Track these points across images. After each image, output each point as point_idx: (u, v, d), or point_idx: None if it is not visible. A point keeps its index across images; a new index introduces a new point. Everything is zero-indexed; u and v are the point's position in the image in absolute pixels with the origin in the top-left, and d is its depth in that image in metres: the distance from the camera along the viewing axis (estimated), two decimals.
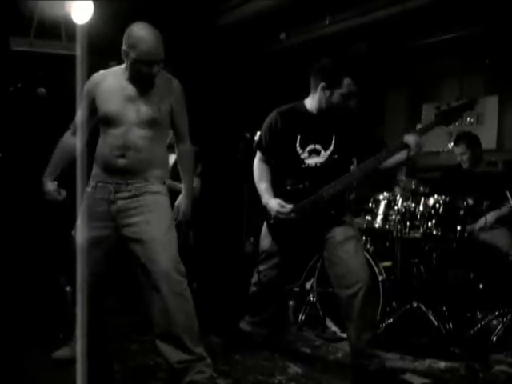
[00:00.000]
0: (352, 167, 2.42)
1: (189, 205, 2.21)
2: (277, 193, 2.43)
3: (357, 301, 2.22)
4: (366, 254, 2.91)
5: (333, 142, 2.35)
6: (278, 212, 2.35)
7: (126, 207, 2.01)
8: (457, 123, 4.60)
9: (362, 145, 2.35)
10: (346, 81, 2.26)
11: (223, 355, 2.52)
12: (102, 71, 2.14)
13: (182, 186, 2.24)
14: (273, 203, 2.38)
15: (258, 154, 2.54)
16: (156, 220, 2.00)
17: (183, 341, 1.95)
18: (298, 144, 2.37)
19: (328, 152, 2.35)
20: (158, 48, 1.99)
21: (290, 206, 2.33)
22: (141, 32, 1.97)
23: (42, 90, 2.68)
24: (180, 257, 2.03)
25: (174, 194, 3.38)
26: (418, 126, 2.29)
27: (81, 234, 2.05)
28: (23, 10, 3.45)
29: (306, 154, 2.36)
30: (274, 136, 2.43)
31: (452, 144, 3.47)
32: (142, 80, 2.03)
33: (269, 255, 2.50)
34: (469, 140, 3.38)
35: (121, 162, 2.02)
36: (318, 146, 2.36)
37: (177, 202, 2.25)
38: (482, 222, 3.12)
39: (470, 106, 2.24)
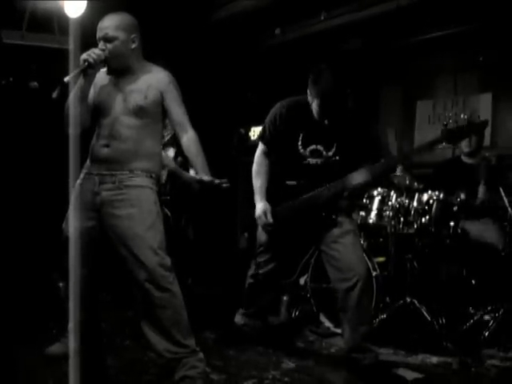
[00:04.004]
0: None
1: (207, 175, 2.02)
2: (275, 187, 2.44)
3: (354, 294, 2.23)
4: None
5: (335, 144, 2.35)
6: (258, 218, 2.41)
7: (109, 199, 1.99)
8: (450, 120, 4.62)
9: (363, 149, 2.35)
10: (316, 101, 2.26)
11: (217, 350, 2.52)
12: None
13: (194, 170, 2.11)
14: (258, 207, 2.42)
15: (261, 146, 2.52)
16: (138, 215, 1.97)
17: (172, 334, 1.95)
18: (300, 143, 2.37)
19: (330, 154, 2.36)
20: (103, 24, 2.01)
21: (270, 220, 2.38)
22: None
23: (35, 83, 2.66)
24: (179, 252, 2.02)
25: (179, 183, 3.35)
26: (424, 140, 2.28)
27: (69, 225, 2.04)
28: (15, 3, 3.41)
29: (307, 153, 2.37)
30: (278, 129, 2.42)
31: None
32: (105, 62, 2.02)
33: (267, 248, 2.52)
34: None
35: (105, 151, 2.01)
36: (319, 147, 2.36)
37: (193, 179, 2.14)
38: (478, 200, 3.18)
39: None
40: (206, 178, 1.98)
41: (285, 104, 2.43)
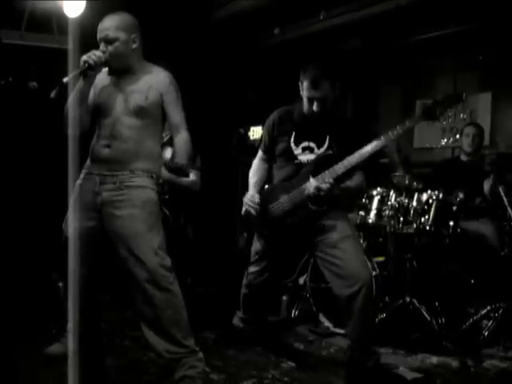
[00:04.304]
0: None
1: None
2: (271, 186, 2.46)
3: (358, 300, 2.19)
4: None
5: (327, 141, 2.36)
6: (245, 203, 2.40)
7: (110, 199, 1.99)
8: (450, 119, 4.63)
9: (355, 145, 2.34)
10: (305, 84, 2.30)
11: (217, 350, 2.52)
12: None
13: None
14: (248, 194, 2.44)
15: (260, 153, 2.58)
16: (139, 215, 1.97)
17: (172, 334, 1.95)
18: (292, 140, 2.40)
19: (321, 150, 2.37)
20: (103, 25, 2.01)
21: (256, 199, 2.38)
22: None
23: (34, 83, 2.65)
24: (178, 251, 2.02)
25: (174, 189, 3.38)
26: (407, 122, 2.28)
27: (69, 225, 2.04)
28: (15, 3, 3.41)
29: (299, 150, 2.39)
30: (273, 136, 2.48)
31: (464, 126, 3.61)
32: (106, 63, 2.02)
33: (261, 257, 2.50)
34: (481, 128, 3.54)
35: (106, 151, 2.01)
36: (311, 144, 2.38)
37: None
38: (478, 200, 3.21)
39: (455, 100, 2.24)
40: (171, 163, 2.01)
41: (278, 111, 2.51)
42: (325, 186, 2.22)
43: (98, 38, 2.02)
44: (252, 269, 2.52)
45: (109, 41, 1.99)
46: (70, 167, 2.01)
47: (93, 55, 1.93)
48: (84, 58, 1.93)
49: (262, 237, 2.45)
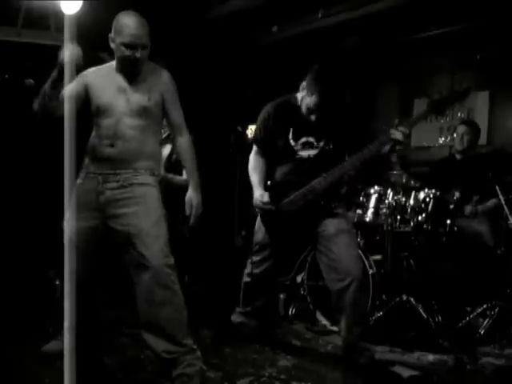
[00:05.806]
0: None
1: (199, 197, 2.10)
2: (273, 183, 2.47)
3: (348, 294, 2.23)
4: None
5: (325, 133, 2.38)
6: (255, 202, 2.40)
7: (114, 198, 2.00)
8: (448, 118, 4.64)
9: (353, 138, 2.37)
10: (313, 97, 2.29)
11: (214, 348, 2.53)
12: (96, 67, 2.14)
13: (187, 178, 2.15)
14: (256, 195, 2.43)
15: (254, 148, 2.58)
16: (144, 212, 1.98)
17: (171, 333, 1.95)
18: (290, 136, 2.41)
19: (321, 144, 2.38)
20: (141, 32, 2.00)
21: (267, 199, 2.38)
22: (126, 18, 2.00)
23: (30, 80, 2.65)
24: (175, 249, 2.03)
25: (170, 187, 3.37)
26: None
27: (70, 225, 2.04)
28: (11, 0, 3.39)
29: (299, 146, 2.40)
30: (268, 129, 2.47)
31: (457, 126, 3.57)
32: (127, 66, 2.02)
33: (262, 247, 2.53)
34: (475, 127, 3.49)
35: (109, 150, 2.02)
36: (310, 139, 2.39)
37: (186, 196, 2.12)
38: (468, 209, 3.20)
39: (462, 95, 2.25)
40: (194, 210, 2.07)
41: (272, 104, 2.49)
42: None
43: (128, 41, 1.97)
44: (254, 258, 2.55)
45: (145, 46, 2.00)
46: (66, 165, 2.01)
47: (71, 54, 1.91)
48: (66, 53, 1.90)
49: (271, 231, 2.45)
